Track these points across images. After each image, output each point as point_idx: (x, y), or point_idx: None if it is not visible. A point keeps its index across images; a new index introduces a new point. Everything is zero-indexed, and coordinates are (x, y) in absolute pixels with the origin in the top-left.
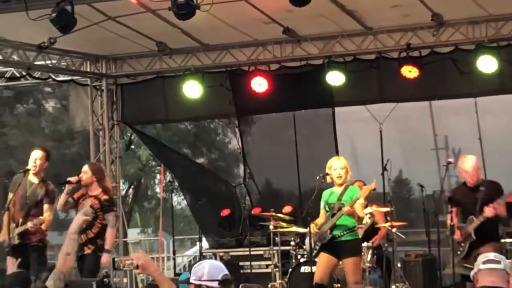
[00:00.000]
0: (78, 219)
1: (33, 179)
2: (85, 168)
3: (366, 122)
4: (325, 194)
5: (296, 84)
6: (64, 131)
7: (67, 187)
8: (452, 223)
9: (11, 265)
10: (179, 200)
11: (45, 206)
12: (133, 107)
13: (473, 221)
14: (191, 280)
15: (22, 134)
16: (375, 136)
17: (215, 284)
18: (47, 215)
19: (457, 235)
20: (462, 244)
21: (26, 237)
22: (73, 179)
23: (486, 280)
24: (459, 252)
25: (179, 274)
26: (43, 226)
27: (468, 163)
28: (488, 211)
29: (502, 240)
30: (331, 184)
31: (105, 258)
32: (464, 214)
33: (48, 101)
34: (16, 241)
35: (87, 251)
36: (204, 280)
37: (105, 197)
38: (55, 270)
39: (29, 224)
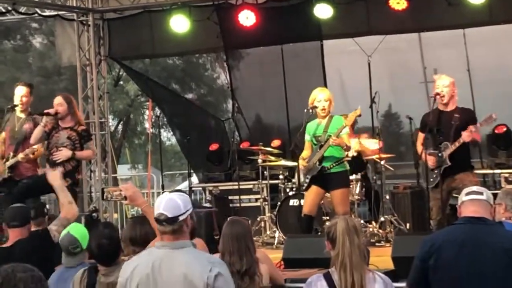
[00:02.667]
0: (54, 174)
1: (20, 114)
2: (60, 100)
3: (354, 55)
4: (310, 126)
5: (284, 17)
6: (51, 67)
7: (45, 119)
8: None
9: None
10: (168, 136)
11: None
12: (120, 42)
13: (447, 147)
14: (182, 216)
15: (9, 70)
16: (363, 69)
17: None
18: (38, 145)
19: (431, 162)
20: (436, 171)
21: (17, 172)
22: (51, 111)
23: (468, 210)
24: (431, 179)
25: None
26: (36, 154)
27: (446, 78)
28: (466, 136)
29: (491, 171)
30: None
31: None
32: (433, 139)
33: (35, 37)
34: (6, 175)
35: (65, 184)
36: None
37: (82, 127)
38: (59, 217)
39: (20, 155)
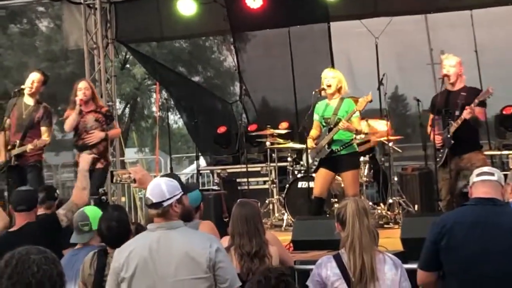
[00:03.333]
0: (87, 157)
1: (28, 100)
2: (85, 84)
3: (361, 37)
4: (319, 106)
5: None
6: (58, 50)
7: (77, 107)
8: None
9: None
10: (175, 119)
11: (43, 128)
12: (127, 25)
13: (451, 125)
14: (166, 201)
15: (16, 55)
16: (370, 51)
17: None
18: (45, 136)
19: (437, 141)
20: (441, 151)
21: (23, 158)
22: (81, 97)
23: (479, 191)
24: (438, 159)
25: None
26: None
27: (453, 58)
28: (466, 113)
29: (499, 152)
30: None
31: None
32: (443, 120)
33: (41, 20)
34: (13, 163)
35: (99, 165)
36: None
37: (105, 108)
38: (68, 201)
39: (29, 146)
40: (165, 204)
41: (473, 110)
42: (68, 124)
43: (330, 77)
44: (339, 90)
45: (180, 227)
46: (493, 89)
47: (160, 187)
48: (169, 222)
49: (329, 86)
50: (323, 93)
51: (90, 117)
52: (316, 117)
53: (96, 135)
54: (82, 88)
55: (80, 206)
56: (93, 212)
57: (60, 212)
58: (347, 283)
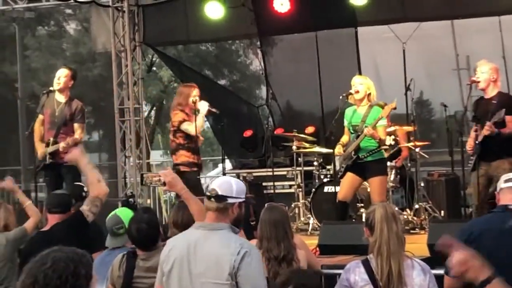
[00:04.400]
0: (74, 156)
1: (59, 98)
2: (198, 92)
3: (389, 42)
4: (348, 112)
5: (319, 4)
6: (86, 53)
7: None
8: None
9: None
10: None
11: (76, 125)
12: (155, 28)
13: (480, 133)
14: (231, 199)
15: (44, 57)
16: (398, 55)
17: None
18: (78, 133)
19: (469, 147)
20: (472, 158)
21: (58, 156)
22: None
23: (507, 198)
24: (469, 164)
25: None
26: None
27: (485, 64)
28: (484, 130)
29: None
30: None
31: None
32: (480, 127)
33: (69, 23)
34: (48, 161)
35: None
36: (237, 197)
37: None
38: (89, 197)
39: (62, 145)
40: (229, 200)
41: (492, 127)
42: (198, 126)
43: (358, 83)
44: (368, 96)
45: (222, 230)
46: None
47: (230, 183)
48: (213, 224)
49: (357, 92)
50: (350, 99)
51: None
52: (345, 123)
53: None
54: (196, 95)
55: (102, 198)
56: (126, 214)
57: (84, 208)
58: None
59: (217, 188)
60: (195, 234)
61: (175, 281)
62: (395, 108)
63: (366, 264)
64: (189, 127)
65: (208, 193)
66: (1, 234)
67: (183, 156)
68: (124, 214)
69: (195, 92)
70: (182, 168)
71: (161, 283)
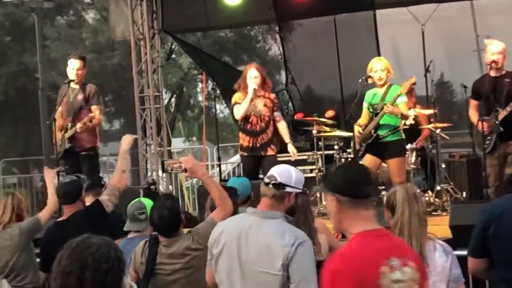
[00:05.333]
0: (128, 138)
1: (74, 86)
2: (255, 73)
3: (407, 24)
4: (368, 94)
5: None
6: (105, 42)
7: (253, 93)
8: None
9: None
10: (221, 108)
11: (93, 107)
12: (173, 16)
13: (499, 112)
14: (289, 188)
15: (63, 46)
16: (417, 37)
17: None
18: (96, 113)
19: (485, 127)
20: (489, 138)
21: (77, 144)
22: (255, 85)
23: None
24: (485, 146)
25: (225, 180)
26: (94, 122)
27: (499, 44)
28: None
29: None
30: (373, 85)
31: (292, 148)
32: (487, 106)
33: (87, 12)
34: (67, 145)
35: (270, 152)
36: (295, 187)
37: (273, 95)
38: (109, 186)
39: (78, 125)
40: (287, 189)
41: None
42: (242, 110)
43: (379, 69)
44: (387, 78)
45: (276, 219)
46: None
47: (290, 172)
48: (267, 211)
49: (380, 78)
50: (370, 80)
51: (260, 101)
52: (365, 105)
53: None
54: (251, 77)
55: (121, 189)
56: (148, 202)
57: (104, 198)
58: None
59: (277, 175)
60: (248, 220)
61: (223, 265)
62: (415, 83)
63: None
64: (236, 110)
65: (266, 179)
66: (14, 224)
67: (240, 139)
68: (147, 202)
69: (250, 72)
70: (240, 153)
71: (211, 266)
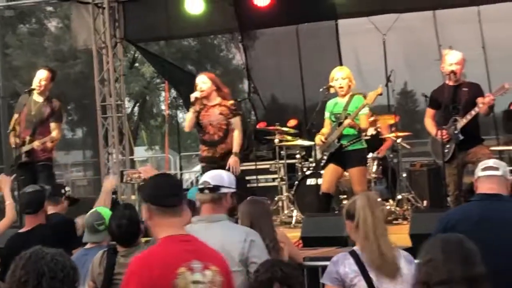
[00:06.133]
0: (111, 181)
1: (38, 98)
2: (204, 78)
3: (369, 34)
4: (330, 104)
5: None
6: (67, 50)
7: (195, 107)
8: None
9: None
10: (184, 117)
11: (52, 125)
12: (136, 24)
13: (458, 121)
14: (224, 189)
15: (25, 55)
16: (378, 47)
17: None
18: (55, 133)
19: (443, 136)
20: (448, 146)
21: (34, 155)
22: (197, 94)
23: (484, 187)
24: (444, 154)
25: (186, 190)
26: (51, 145)
27: (456, 54)
28: (483, 107)
29: (507, 148)
30: (335, 95)
31: (232, 160)
32: (446, 115)
33: (50, 20)
34: (23, 159)
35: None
36: (229, 187)
37: (231, 102)
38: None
39: (36, 143)
40: (222, 190)
41: (485, 103)
42: (188, 124)
43: (340, 78)
44: (349, 88)
45: (221, 221)
46: (510, 84)
47: (220, 174)
48: (212, 215)
49: (341, 87)
50: (332, 90)
51: (214, 111)
52: (326, 115)
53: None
54: (199, 82)
55: None
56: (105, 212)
57: (79, 221)
58: (365, 279)
59: (209, 180)
60: (194, 228)
61: None
62: (381, 94)
63: (355, 255)
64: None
65: (201, 186)
66: None
67: (200, 150)
68: (104, 211)
69: (197, 79)
70: (201, 164)
71: None
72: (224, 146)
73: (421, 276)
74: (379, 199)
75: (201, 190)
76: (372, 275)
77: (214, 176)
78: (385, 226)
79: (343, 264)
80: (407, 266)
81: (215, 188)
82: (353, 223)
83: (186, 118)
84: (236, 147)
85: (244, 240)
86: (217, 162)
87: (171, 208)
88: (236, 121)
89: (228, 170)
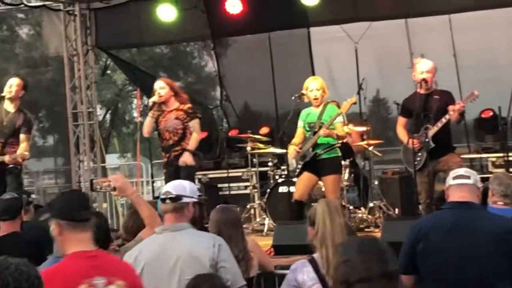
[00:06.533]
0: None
1: (9, 107)
2: (161, 84)
3: (341, 42)
4: (304, 113)
5: (271, 5)
6: (38, 57)
7: (153, 112)
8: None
9: None
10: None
11: (22, 136)
12: (107, 32)
13: (430, 129)
14: (186, 198)
15: None
16: (351, 55)
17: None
18: (24, 145)
19: (415, 144)
20: (419, 155)
21: (3, 163)
22: (154, 99)
23: (456, 195)
24: (416, 163)
25: (158, 198)
26: (21, 161)
27: (427, 63)
28: (454, 115)
29: (478, 156)
30: (308, 104)
31: (183, 156)
32: (417, 124)
33: (21, 27)
34: None
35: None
36: (192, 197)
37: (188, 105)
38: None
39: (7, 158)
40: (183, 200)
41: (455, 111)
42: (145, 128)
43: (315, 88)
44: (323, 97)
45: (186, 229)
46: (478, 92)
47: (182, 184)
48: (175, 224)
49: (316, 99)
50: (305, 99)
51: (171, 115)
52: (300, 123)
53: (185, 160)
54: (157, 88)
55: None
56: None
57: None
58: (324, 286)
59: (171, 190)
60: (160, 238)
61: (150, 285)
62: (355, 103)
63: (313, 262)
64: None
65: (163, 196)
66: None
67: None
68: None
69: (155, 85)
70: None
71: None
72: (179, 149)
73: (340, 276)
74: (351, 208)
75: (163, 200)
76: (330, 282)
77: (175, 186)
78: (345, 231)
79: (301, 272)
80: None
81: (177, 198)
82: (314, 229)
83: (144, 124)
84: (190, 145)
85: (213, 245)
86: (171, 164)
87: (81, 223)
88: (194, 124)
89: (181, 167)
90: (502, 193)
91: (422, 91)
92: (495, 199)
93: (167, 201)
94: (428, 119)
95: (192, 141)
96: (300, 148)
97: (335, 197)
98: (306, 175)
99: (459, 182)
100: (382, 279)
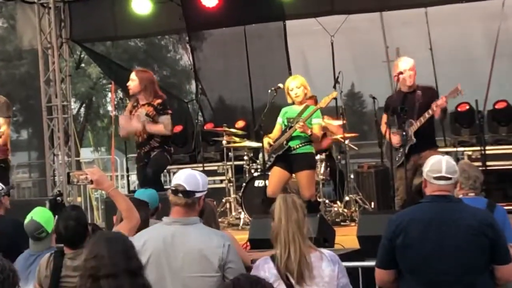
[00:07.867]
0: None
1: None
2: (133, 76)
3: (317, 35)
4: (284, 110)
5: None
6: (12, 50)
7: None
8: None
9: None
10: None
11: (1, 119)
12: (82, 25)
13: (412, 124)
14: (199, 193)
15: None
16: (326, 49)
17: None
18: (4, 128)
19: (395, 140)
20: (401, 150)
21: None
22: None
23: (435, 189)
24: (396, 159)
25: (133, 191)
26: (2, 138)
27: (408, 60)
28: (438, 111)
29: (454, 149)
30: (282, 98)
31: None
32: (399, 119)
33: None
34: None
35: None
36: (204, 191)
37: (158, 101)
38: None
39: None
40: (197, 195)
41: (438, 107)
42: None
43: (295, 87)
44: (305, 95)
45: (196, 223)
46: (461, 87)
47: (196, 178)
48: (187, 218)
49: (297, 95)
50: (289, 99)
51: (142, 110)
52: (279, 120)
53: (133, 124)
54: (129, 79)
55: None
56: (44, 216)
57: None
58: (285, 282)
59: (184, 184)
60: (168, 229)
61: (152, 276)
62: (335, 98)
63: (275, 259)
64: None
65: (174, 188)
66: None
67: None
68: (42, 216)
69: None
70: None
71: None
72: (148, 148)
73: (87, 270)
74: (326, 202)
75: (175, 193)
76: (291, 278)
77: (189, 181)
78: (303, 227)
79: (263, 269)
80: (330, 267)
81: (190, 194)
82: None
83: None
84: (150, 124)
85: (223, 245)
86: (141, 160)
87: None
88: (163, 120)
89: (149, 164)
90: (471, 187)
91: (405, 89)
92: (463, 191)
93: (179, 194)
94: (404, 112)
95: (154, 127)
96: (274, 142)
97: (310, 193)
98: (277, 170)
99: (440, 183)
100: (126, 274)
